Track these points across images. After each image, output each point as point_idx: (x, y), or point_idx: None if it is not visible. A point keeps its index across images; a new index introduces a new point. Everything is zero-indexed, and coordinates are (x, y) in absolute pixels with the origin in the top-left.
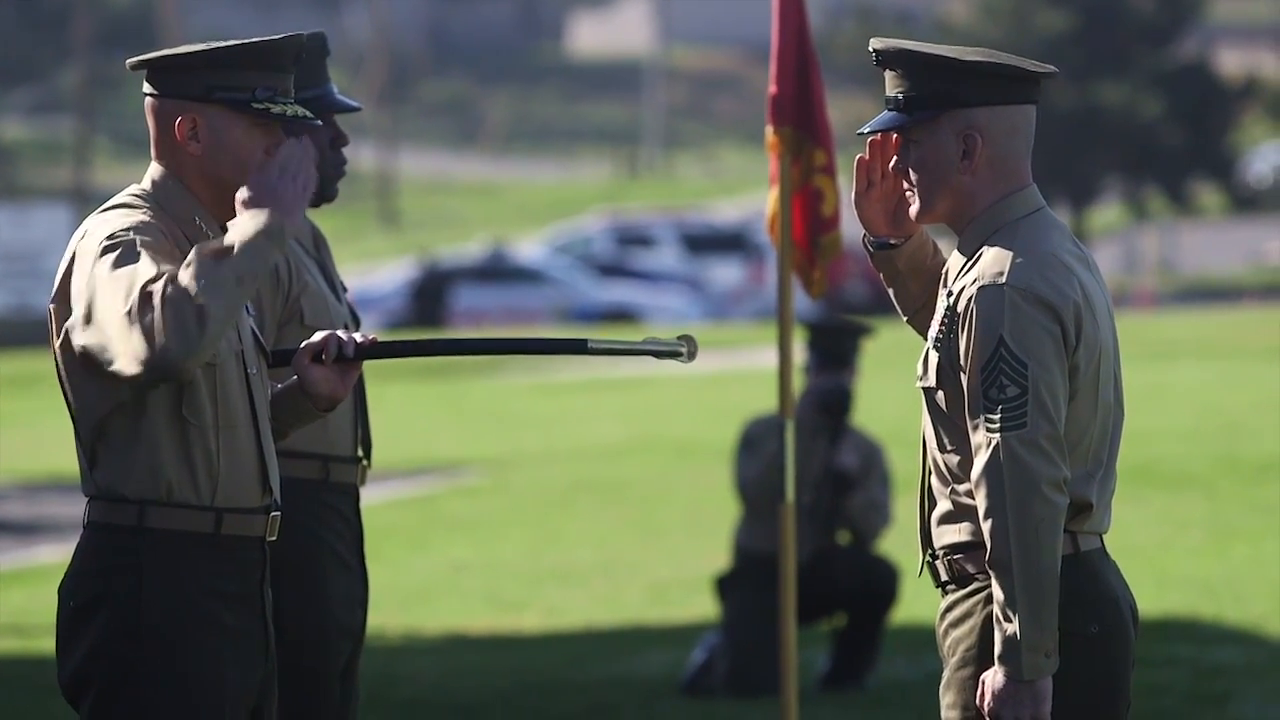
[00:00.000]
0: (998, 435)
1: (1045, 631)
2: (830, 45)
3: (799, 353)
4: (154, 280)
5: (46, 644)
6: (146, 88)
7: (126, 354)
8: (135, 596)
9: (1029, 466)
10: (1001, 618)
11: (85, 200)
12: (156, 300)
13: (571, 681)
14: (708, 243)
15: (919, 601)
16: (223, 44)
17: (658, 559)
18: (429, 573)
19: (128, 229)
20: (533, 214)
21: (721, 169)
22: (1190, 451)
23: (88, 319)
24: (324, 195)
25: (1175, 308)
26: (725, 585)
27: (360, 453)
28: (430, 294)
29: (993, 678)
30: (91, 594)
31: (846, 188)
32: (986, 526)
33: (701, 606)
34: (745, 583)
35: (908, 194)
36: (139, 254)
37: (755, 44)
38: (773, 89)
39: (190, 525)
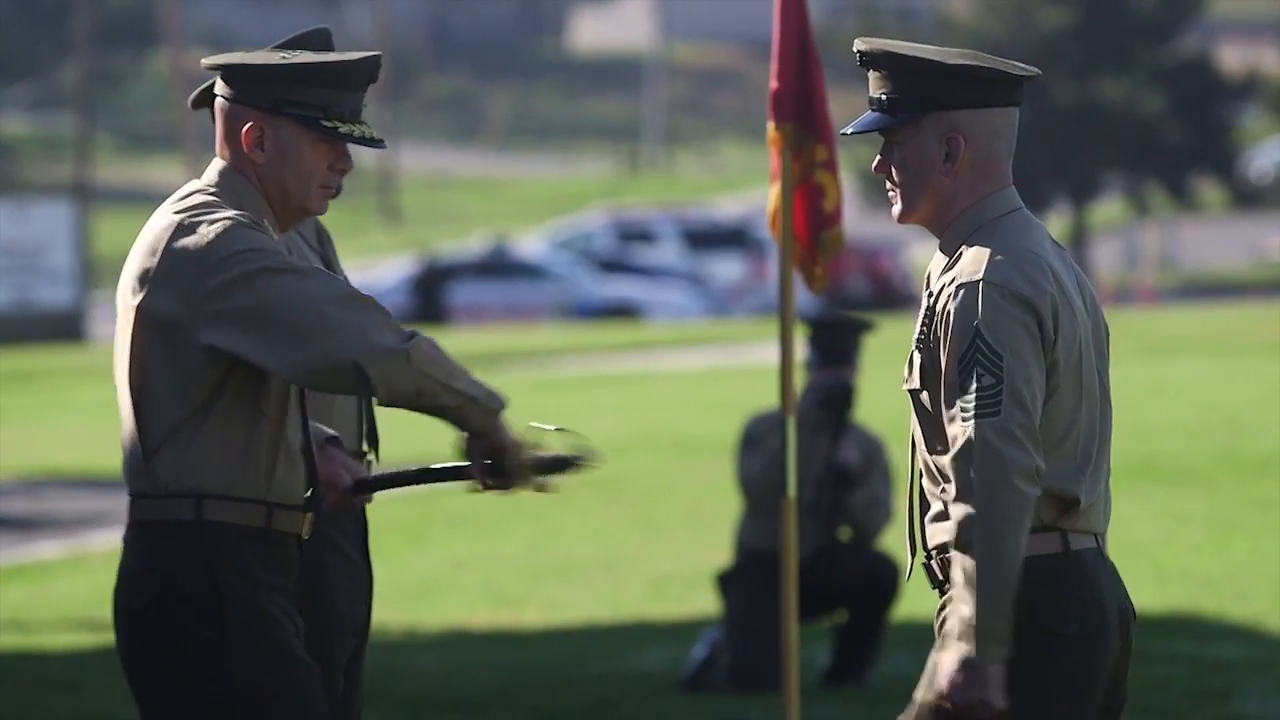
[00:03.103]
0: (971, 423)
1: (1000, 618)
2: (832, 41)
3: (800, 349)
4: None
5: (47, 639)
6: (218, 88)
7: (378, 334)
8: (212, 588)
9: (1001, 454)
10: (959, 599)
11: (86, 196)
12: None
13: (572, 677)
14: (709, 238)
15: (920, 597)
16: (298, 59)
17: (658, 554)
18: (430, 568)
19: (245, 225)
20: (534, 209)
21: (722, 164)
22: (1191, 447)
23: (287, 325)
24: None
25: (1176, 303)
26: (727, 581)
27: (365, 447)
28: (431, 289)
29: (945, 659)
30: (159, 591)
31: (848, 183)
32: (955, 510)
33: (703, 602)
34: (747, 579)
35: (890, 194)
36: (302, 269)
37: (756, 40)
38: (774, 85)
39: (245, 519)
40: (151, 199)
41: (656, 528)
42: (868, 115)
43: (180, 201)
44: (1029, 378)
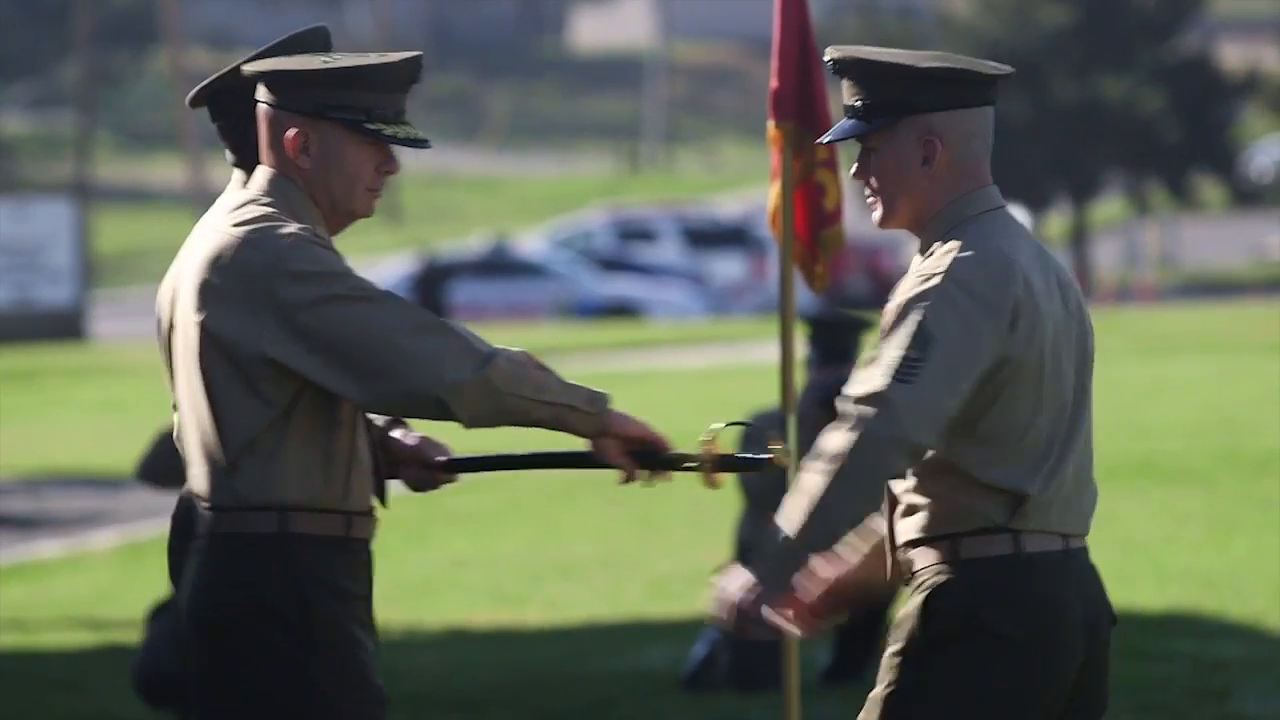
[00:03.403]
0: (885, 380)
1: (806, 546)
2: (832, 39)
3: (801, 347)
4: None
5: (47, 638)
6: (260, 94)
7: (455, 358)
8: (299, 601)
9: (899, 419)
10: (790, 503)
11: (86, 195)
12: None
13: (573, 676)
14: (709, 237)
15: None
16: (340, 63)
17: (659, 553)
18: (430, 567)
19: (312, 242)
20: (534, 208)
21: (723, 163)
22: (1191, 446)
23: (360, 353)
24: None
25: (1176, 302)
26: None
27: None
28: (431, 288)
29: (734, 573)
30: (241, 606)
31: (848, 182)
32: (830, 435)
33: (703, 601)
34: None
35: (869, 201)
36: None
37: (756, 38)
38: (774, 83)
39: (328, 529)
40: (152, 198)
41: (657, 526)
42: (843, 123)
43: (236, 213)
44: (956, 367)
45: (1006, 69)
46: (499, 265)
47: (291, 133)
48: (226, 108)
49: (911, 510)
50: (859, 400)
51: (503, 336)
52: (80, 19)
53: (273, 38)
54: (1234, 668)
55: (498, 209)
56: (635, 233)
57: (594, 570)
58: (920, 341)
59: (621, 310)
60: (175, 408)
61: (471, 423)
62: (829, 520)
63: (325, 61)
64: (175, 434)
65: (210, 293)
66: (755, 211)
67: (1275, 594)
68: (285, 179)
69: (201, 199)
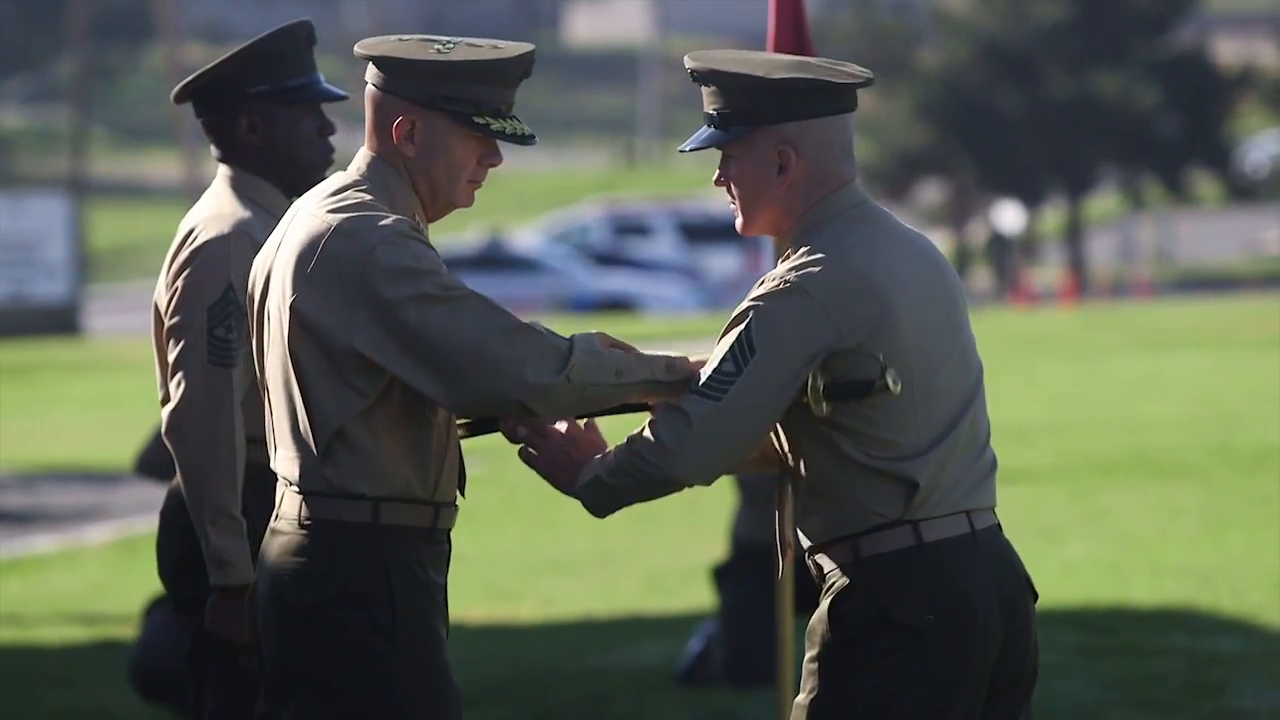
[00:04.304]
0: (695, 395)
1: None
2: (827, 35)
3: None
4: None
5: (42, 633)
6: (370, 75)
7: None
8: (387, 594)
9: (672, 454)
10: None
11: (81, 190)
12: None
13: (568, 671)
14: (705, 232)
15: None
16: (454, 56)
17: (654, 549)
18: None
19: (407, 235)
20: (529, 203)
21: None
22: (1186, 441)
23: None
24: (312, 184)
25: (1171, 297)
26: (722, 575)
27: None
28: None
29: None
30: (328, 593)
31: None
32: (623, 452)
33: (698, 596)
34: (742, 572)
35: (731, 207)
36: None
37: (752, 34)
38: None
39: (416, 520)
40: (147, 193)
41: (652, 522)
42: (702, 131)
43: (333, 199)
44: (767, 385)
45: (865, 76)
46: (495, 260)
47: (400, 119)
48: (210, 103)
49: (809, 515)
50: (660, 414)
51: None
52: (76, 14)
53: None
54: (1229, 663)
55: (493, 204)
56: (631, 228)
57: (589, 566)
58: (739, 354)
59: (617, 305)
60: (163, 402)
61: (558, 417)
62: (601, 491)
63: (439, 51)
64: (162, 429)
65: (303, 279)
66: None
67: (1270, 589)
68: (387, 164)
69: (197, 194)
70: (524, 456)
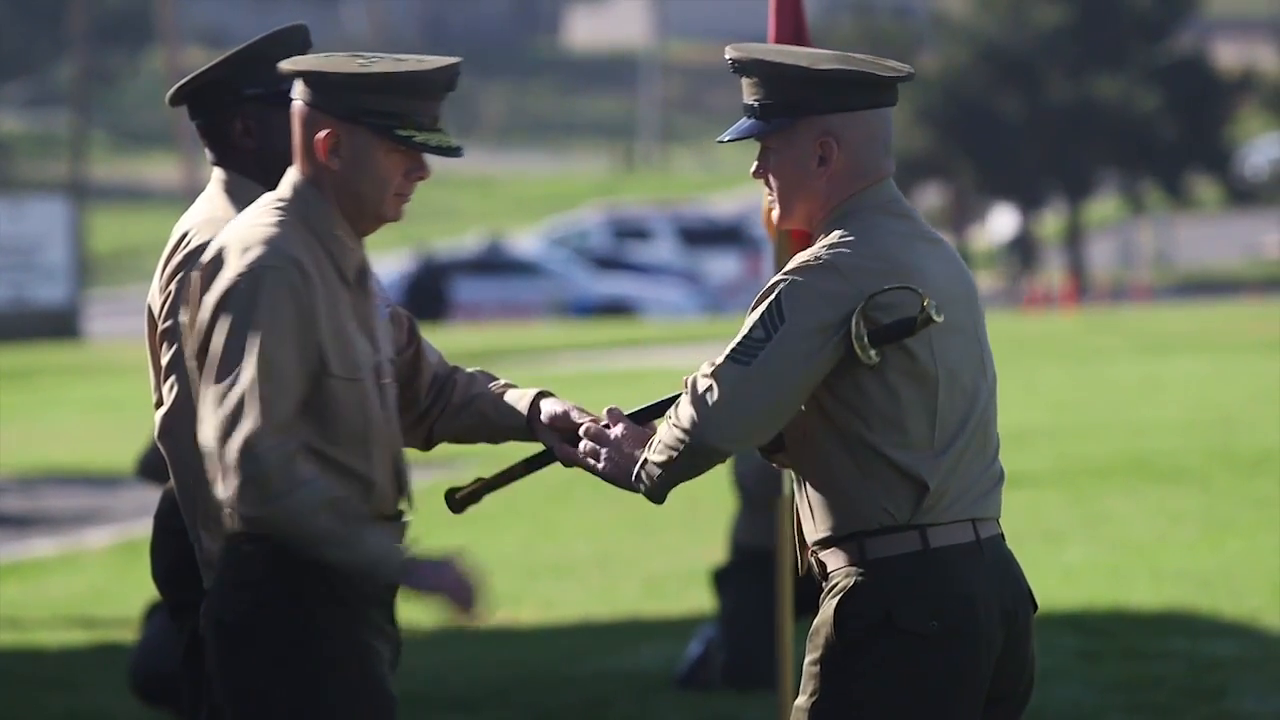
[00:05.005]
0: (724, 360)
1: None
2: (827, 39)
3: None
4: (264, 432)
5: (41, 637)
6: (296, 91)
7: (218, 469)
8: (303, 608)
9: (721, 406)
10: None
11: (81, 194)
12: (255, 451)
13: (567, 675)
14: (704, 236)
15: None
16: (376, 69)
17: (654, 552)
18: None
19: (259, 267)
20: (529, 207)
21: (718, 162)
22: (1186, 445)
23: (209, 369)
24: None
25: (1172, 301)
26: (722, 579)
27: None
28: (427, 287)
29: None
30: (249, 606)
31: None
32: (663, 429)
33: (697, 600)
34: (742, 576)
35: (768, 199)
36: (257, 342)
37: (752, 38)
38: None
39: None
40: (147, 197)
41: (651, 525)
42: (743, 122)
43: (253, 212)
44: (797, 353)
45: (906, 70)
46: (495, 264)
47: (324, 134)
48: (205, 106)
49: (816, 509)
50: (693, 382)
51: (499, 335)
52: (76, 18)
53: None
54: (1229, 667)
55: (493, 208)
56: (630, 231)
57: (589, 569)
58: (769, 321)
59: (617, 309)
60: (156, 405)
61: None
62: (663, 477)
63: (362, 65)
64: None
65: (186, 291)
66: (750, 210)
67: (1270, 593)
68: (311, 184)
69: (196, 198)
70: (586, 467)
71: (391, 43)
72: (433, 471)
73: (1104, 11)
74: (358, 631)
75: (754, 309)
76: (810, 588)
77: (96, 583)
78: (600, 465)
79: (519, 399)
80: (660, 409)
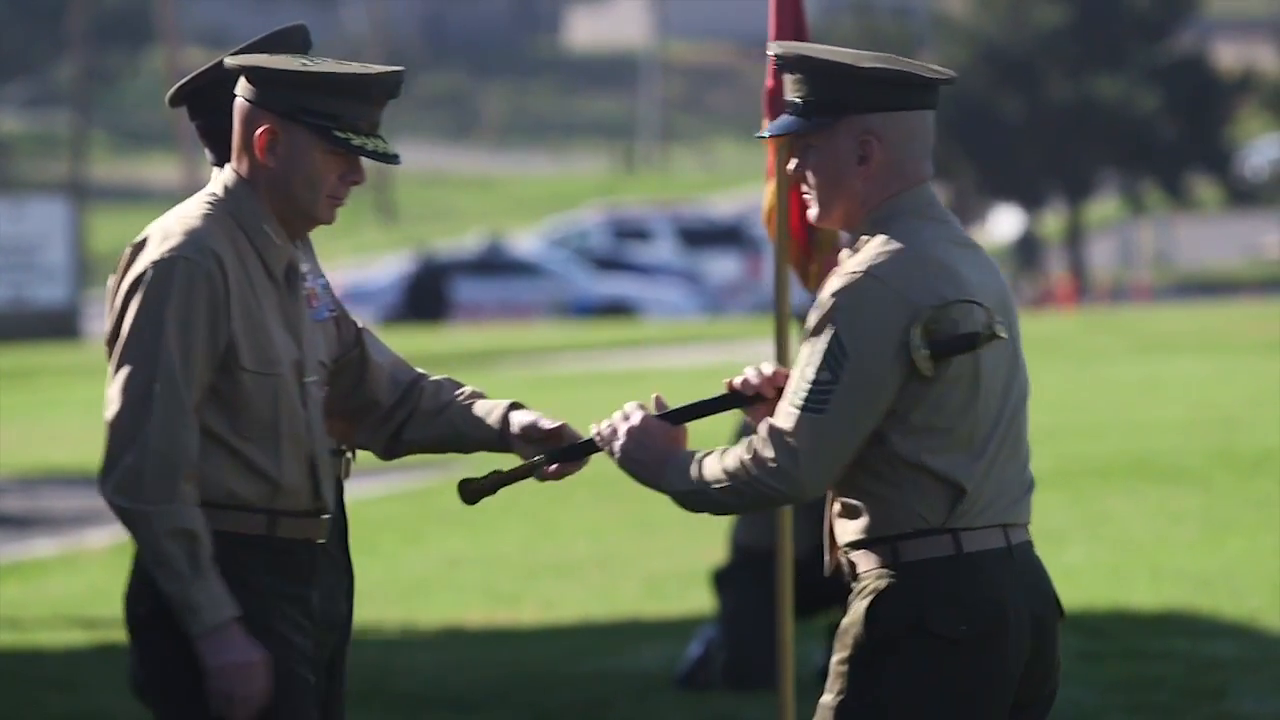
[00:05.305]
0: (796, 411)
1: (678, 493)
2: (827, 39)
3: (795, 347)
4: (160, 427)
5: (41, 638)
6: (240, 88)
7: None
8: None
9: (798, 453)
10: (716, 455)
11: (81, 194)
12: (147, 444)
13: (568, 675)
14: (704, 236)
15: None
16: (318, 68)
17: (654, 552)
18: (425, 566)
19: (174, 256)
20: (529, 207)
21: (718, 163)
22: (1186, 445)
23: (117, 353)
24: None
25: (1172, 301)
26: (722, 579)
27: (344, 444)
28: (427, 287)
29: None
30: (157, 600)
31: None
32: (731, 452)
33: (698, 600)
34: (742, 577)
35: (805, 197)
36: (164, 329)
37: (752, 38)
38: (769, 83)
39: (246, 528)
40: (147, 197)
41: (652, 526)
42: (784, 119)
43: (179, 207)
44: (867, 386)
45: (949, 74)
46: (495, 264)
47: (262, 130)
48: (205, 106)
49: (848, 511)
50: (771, 434)
51: (499, 336)
52: (75, 18)
53: None
54: (1229, 667)
55: (493, 208)
56: (630, 232)
57: (589, 569)
58: (832, 360)
59: (617, 309)
60: None
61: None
62: (705, 499)
63: (305, 64)
64: None
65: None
66: (750, 211)
67: (1270, 593)
68: (244, 181)
69: None
70: (606, 451)
71: (391, 43)
72: (429, 472)
73: (1104, 12)
74: (269, 622)
75: (810, 338)
76: (808, 588)
77: (96, 583)
78: (618, 459)
79: (490, 411)
80: (697, 412)
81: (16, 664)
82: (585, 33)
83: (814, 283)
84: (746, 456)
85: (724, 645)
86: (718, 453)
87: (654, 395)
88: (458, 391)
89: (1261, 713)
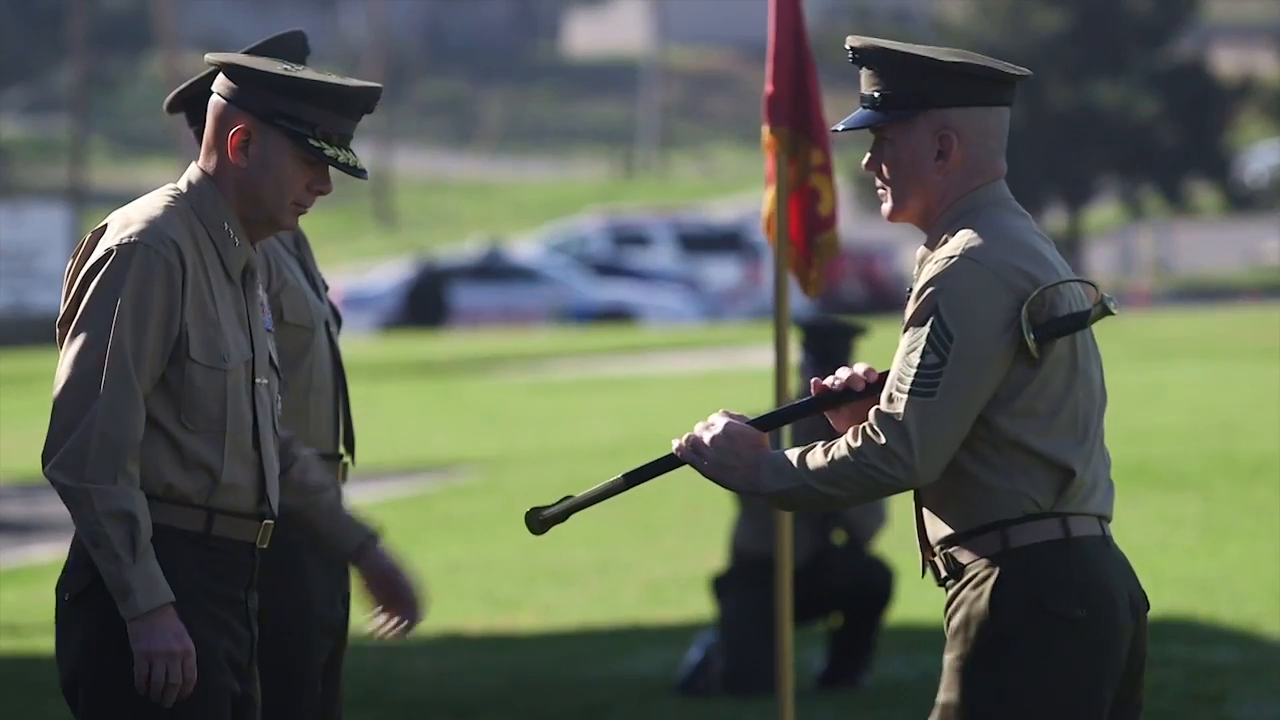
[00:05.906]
0: (904, 397)
1: (776, 495)
2: (826, 44)
3: (795, 353)
4: (107, 410)
5: (42, 643)
6: (218, 85)
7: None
8: None
9: (909, 437)
10: (814, 452)
11: (81, 200)
12: (93, 423)
13: (567, 681)
14: (704, 242)
15: (915, 601)
16: (299, 74)
17: (653, 558)
18: (425, 572)
19: (134, 242)
20: (529, 213)
21: (717, 168)
22: (1186, 451)
23: (70, 332)
24: None
25: (1171, 307)
26: (722, 585)
27: (342, 449)
28: (426, 293)
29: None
30: (82, 585)
31: (843, 187)
32: (842, 441)
33: (697, 606)
34: (742, 582)
35: (880, 191)
36: (118, 312)
37: (751, 43)
38: (769, 88)
39: (182, 523)
40: None
41: (651, 531)
42: (859, 112)
43: (146, 197)
44: (975, 364)
45: (1025, 71)
46: (494, 270)
47: (236, 129)
48: (203, 112)
49: (948, 503)
50: (880, 420)
51: (498, 341)
52: (75, 23)
53: None
54: (1229, 673)
55: (492, 214)
56: (630, 238)
57: (589, 575)
58: (939, 343)
59: (616, 315)
60: None
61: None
62: (809, 495)
63: (286, 69)
64: None
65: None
66: (750, 217)
67: (1270, 599)
68: (210, 179)
69: None
70: (689, 462)
71: (391, 48)
72: (428, 478)
73: (1104, 17)
74: (188, 621)
75: (910, 327)
76: (809, 594)
77: None
78: (703, 467)
79: (350, 531)
80: (786, 417)
81: (17, 670)
82: (585, 38)
83: (814, 289)
84: (856, 444)
85: (723, 651)
86: (819, 447)
87: (722, 411)
88: (321, 486)
89: (1261, 718)
